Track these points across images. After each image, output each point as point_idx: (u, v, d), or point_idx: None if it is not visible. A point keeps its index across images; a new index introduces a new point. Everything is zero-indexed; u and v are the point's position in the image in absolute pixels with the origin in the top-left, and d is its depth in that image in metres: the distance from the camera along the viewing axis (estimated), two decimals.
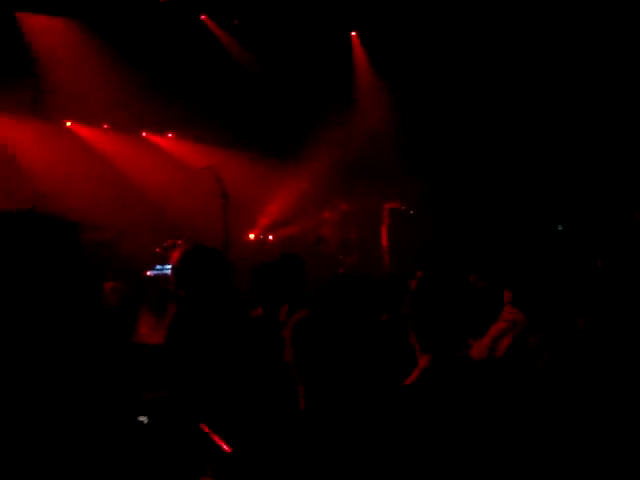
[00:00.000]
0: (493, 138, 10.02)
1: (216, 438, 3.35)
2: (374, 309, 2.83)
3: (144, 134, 11.80)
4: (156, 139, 11.88)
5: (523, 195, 9.85)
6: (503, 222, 9.70)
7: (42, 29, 9.44)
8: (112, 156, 11.03)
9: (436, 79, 10.41)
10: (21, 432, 2.83)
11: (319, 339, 1.86)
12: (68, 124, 10.92)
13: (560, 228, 9.46)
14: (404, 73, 10.39)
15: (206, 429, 3.45)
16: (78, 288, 3.56)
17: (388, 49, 10.42)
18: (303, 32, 10.10)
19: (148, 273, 8.81)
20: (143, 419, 3.33)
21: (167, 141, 11.93)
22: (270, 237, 10.56)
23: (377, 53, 10.86)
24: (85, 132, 11.08)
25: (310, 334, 1.87)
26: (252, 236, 10.56)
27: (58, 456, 2.91)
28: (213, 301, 3.70)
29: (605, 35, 8.74)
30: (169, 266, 8.92)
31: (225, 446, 3.29)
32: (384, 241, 10.31)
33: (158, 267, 8.95)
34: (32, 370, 3.09)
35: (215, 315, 3.64)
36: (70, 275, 3.45)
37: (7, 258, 3.21)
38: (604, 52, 8.91)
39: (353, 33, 11.08)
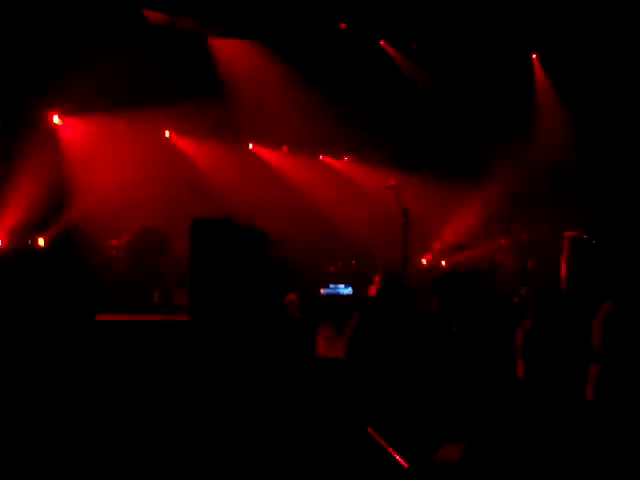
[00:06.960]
0: None
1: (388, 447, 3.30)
2: None
3: (321, 157, 12.03)
4: (333, 162, 12.08)
5: None
6: None
7: (231, 53, 9.89)
8: (291, 177, 11.34)
9: (619, 97, 9.80)
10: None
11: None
12: (250, 146, 11.37)
13: None
14: (587, 93, 9.90)
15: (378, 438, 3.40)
16: (267, 294, 3.64)
17: (569, 68, 10.00)
18: (483, 53, 9.92)
19: (322, 291, 8.94)
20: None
21: (343, 164, 12.08)
22: (443, 262, 10.33)
23: (558, 73, 10.47)
24: (266, 154, 11.47)
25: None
26: (424, 261, 10.39)
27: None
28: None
29: None
30: (342, 286, 9.08)
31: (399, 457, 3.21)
32: (563, 271, 9.80)
33: (331, 286, 9.07)
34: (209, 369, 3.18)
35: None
36: (262, 279, 3.55)
37: (207, 260, 3.36)
38: None
39: (534, 55, 10.78)
